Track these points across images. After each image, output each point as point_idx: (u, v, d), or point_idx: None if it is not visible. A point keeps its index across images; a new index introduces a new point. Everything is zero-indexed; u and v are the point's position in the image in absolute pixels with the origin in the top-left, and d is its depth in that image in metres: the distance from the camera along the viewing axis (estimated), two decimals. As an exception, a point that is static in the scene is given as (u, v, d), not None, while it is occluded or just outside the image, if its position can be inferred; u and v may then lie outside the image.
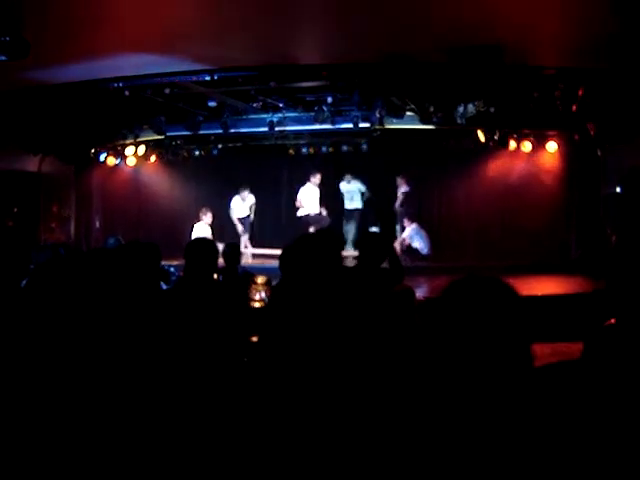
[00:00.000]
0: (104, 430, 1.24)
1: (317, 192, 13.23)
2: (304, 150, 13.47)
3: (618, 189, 10.87)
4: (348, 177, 13.52)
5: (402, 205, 13.01)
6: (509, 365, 1.31)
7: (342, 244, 3.38)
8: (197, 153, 13.82)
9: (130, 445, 1.25)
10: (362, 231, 12.32)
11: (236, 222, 13.50)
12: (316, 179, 13.18)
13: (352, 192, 13.54)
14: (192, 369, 2.50)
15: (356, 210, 13.51)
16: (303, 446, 1.75)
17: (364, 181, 13.48)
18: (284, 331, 2.36)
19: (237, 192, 13.53)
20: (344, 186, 13.62)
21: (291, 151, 13.51)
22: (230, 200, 13.57)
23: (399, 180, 13.07)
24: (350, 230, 13.29)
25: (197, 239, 4.77)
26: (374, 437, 1.37)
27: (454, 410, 1.33)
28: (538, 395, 1.34)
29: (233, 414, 1.97)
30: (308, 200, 13.20)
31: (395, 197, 13.13)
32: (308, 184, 13.24)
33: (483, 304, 1.35)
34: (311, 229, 12.22)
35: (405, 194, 13.01)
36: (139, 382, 1.48)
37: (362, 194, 13.52)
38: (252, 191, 13.75)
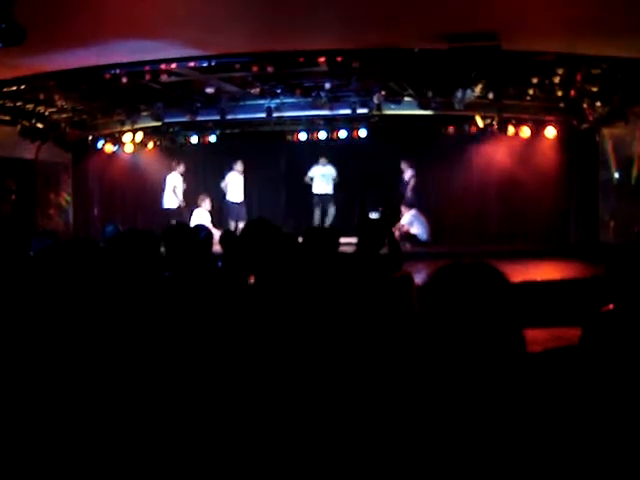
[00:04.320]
0: (105, 417, 1.25)
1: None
2: (302, 136, 13.40)
3: (616, 175, 10.87)
4: (323, 161, 13.35)
5: (412, 189, 12.93)
6: (500, 351, 1.31)
7: (339, 233, 3.44)
8: (195, 140, 13.75)
9: (131, 432, 1.26)
10: (360, 217, 12.05)
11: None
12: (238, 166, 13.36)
13: (327, 176, 13.40)
14: (194, 356, 2.50)
15: (328, 195, 13.42)
16: (302, 437, 1.76)
17: (365, 168, 13.33)
18: (280, 318, 2.36)
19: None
20: (319, 170, 13.40)
21: (289, 137, 13.43)
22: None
23: (404, 165, 13.01)
24: (328, 214, 13.31)
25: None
26: (371, 427, 1.37)
27: (448, 398, 1.33)
28: (531, 381, 1.35)
29: (235, 403, 1.97)
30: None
31: (396, 183, 13.05)
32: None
33: (469, 290, 1.35)
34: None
35: (409, 180, 12.96)
36: (141, 370, 1.49)
37: (333, 179, 13.40)
38: (250, 177, 13.70)
